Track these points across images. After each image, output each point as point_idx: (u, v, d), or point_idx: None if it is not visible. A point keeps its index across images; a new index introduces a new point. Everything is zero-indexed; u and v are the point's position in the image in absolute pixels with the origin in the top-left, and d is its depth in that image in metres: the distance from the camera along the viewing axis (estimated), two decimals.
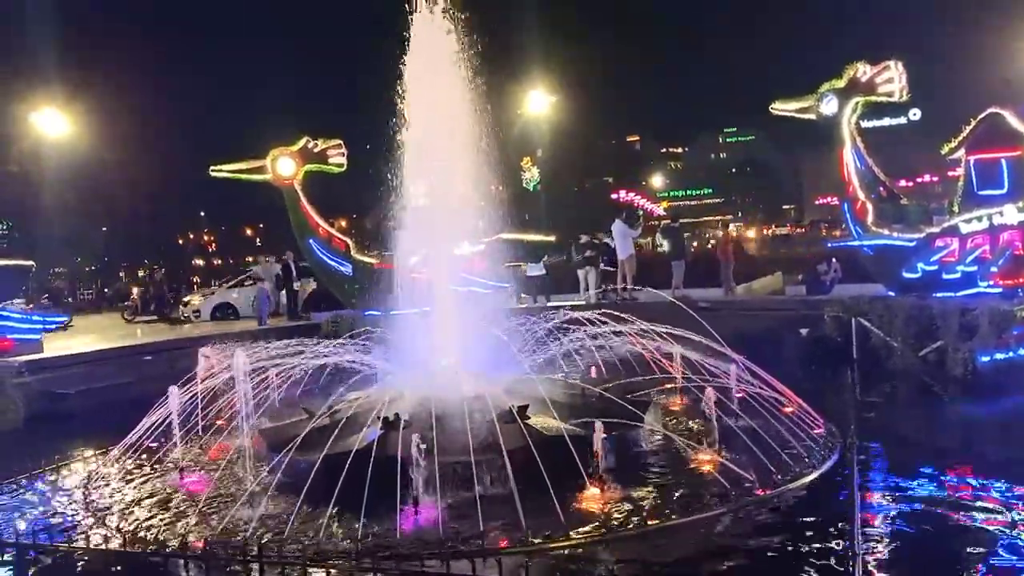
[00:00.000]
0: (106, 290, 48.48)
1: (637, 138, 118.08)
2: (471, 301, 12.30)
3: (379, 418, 8.29)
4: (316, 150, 20.89)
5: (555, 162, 54.13)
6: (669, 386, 11.25)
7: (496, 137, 11.15)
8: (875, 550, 6.30)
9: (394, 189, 10.91)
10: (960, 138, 14.98)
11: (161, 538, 7.14)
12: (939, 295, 14.64)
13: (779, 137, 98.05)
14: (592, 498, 7.48)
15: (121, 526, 7.63)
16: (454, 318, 10.54)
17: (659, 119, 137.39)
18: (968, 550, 6.29)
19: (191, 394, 9.86)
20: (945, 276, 14.99)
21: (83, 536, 7.45)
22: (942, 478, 8.14)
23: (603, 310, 11.69)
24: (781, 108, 17.42)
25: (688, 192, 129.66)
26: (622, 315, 11.26)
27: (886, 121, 80.00)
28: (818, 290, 18.99)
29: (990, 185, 14.68)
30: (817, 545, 6.39)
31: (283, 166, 20.65)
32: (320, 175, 21.26)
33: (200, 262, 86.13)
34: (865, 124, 17.51)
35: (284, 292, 23.57)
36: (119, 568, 6.84)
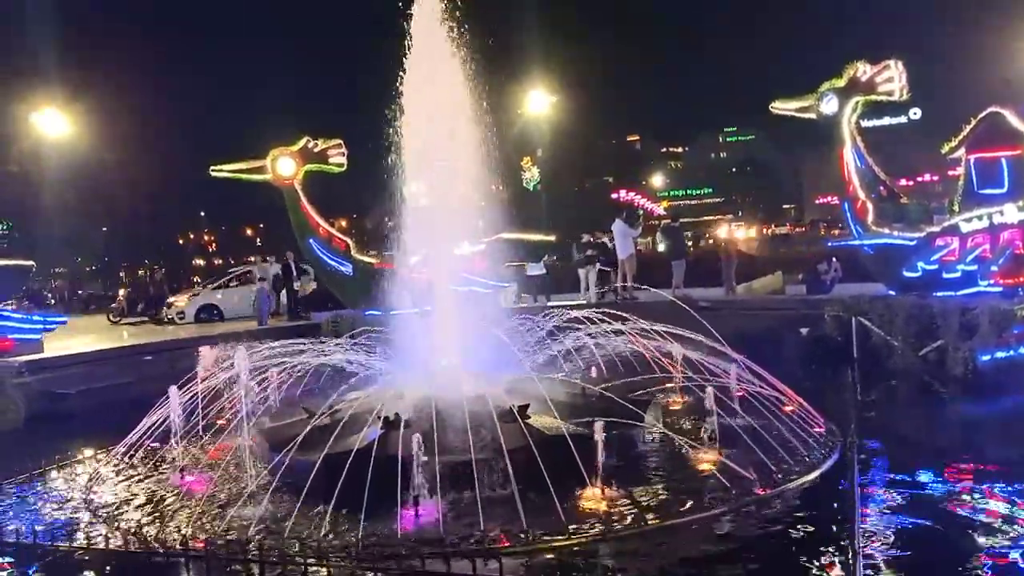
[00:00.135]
0: (79, 292, 47.92)
1: (637, 138, 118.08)
2: (471, 301, 12.30)
3: (379, 418, 8.29)
4: (316, 150, 20.90)
5: (555, 162, 54.11)
6: (670, 385, 11.25)
7: (496, 137, 11.15)
8: (875, 549, 6.29)
9: (394, 189, 10.91)
10: (960, 137, 14.99)
11: (162, 538, 7.14)
12: (939, 294, 14.65)
13: (779, 137, 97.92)
14: (592, 497, 7.49)
15: (122, 526, 7.63)
16: (454, 318, 10.54)
17: (659, 119, 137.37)
18: (969, 549, 6.29)
19: (191, 394, 9.86)
20: (945, 275, 14.99)
21: (84, 536, 7.46)
22: (943, 477, 8.15)
23: (603, 309, 11.69)
24: (781, 107, 17.43)
25: (688, 192, 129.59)
26: (622, 314, 11.27)
27: (886, 120, 80.00)
28: (818, 289, 18.99)
29: (990, 184, 14.69)
30: (818, 544, 6.39)
31: (283, 166, 20.65)
32: (320, 175, 21.27)
33: (200, 262, 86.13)
34: (865, 123, 17.52)
35: (284, 292, 23.60)
36: (120, 568, 6.84)
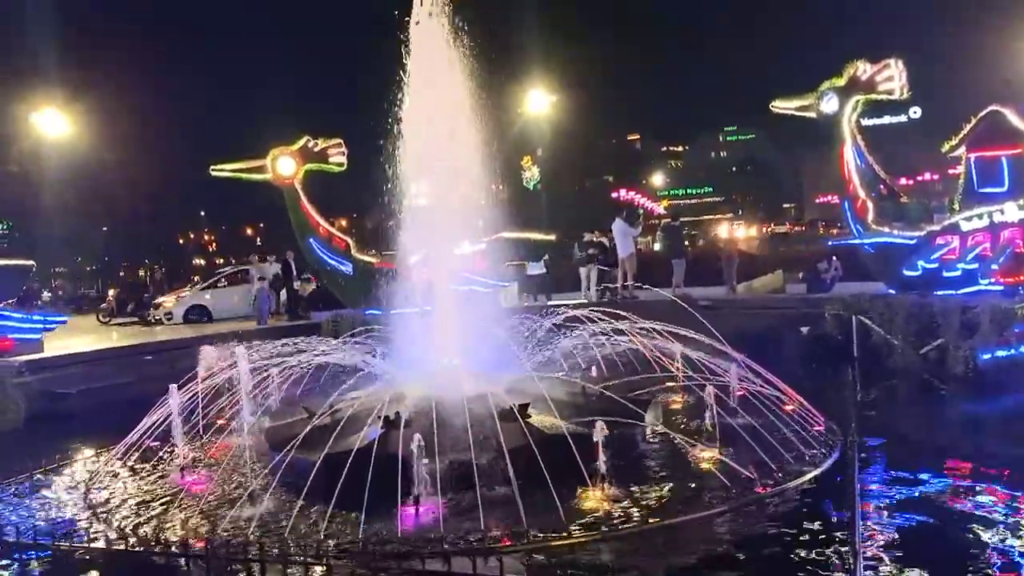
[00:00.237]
0: (60, 292, 47.58)
1: (637, 137, 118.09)
2: (472, 300, 12.30)
3: (380, 417, 8.29)
4: (316, 149, 20.89)
5: (555, 161, 54.05)
6: (670, 384, 11.24)
7: (496, 136, 11.14)
8: (876, 547, 6.29)
9: (394, 188, 10.91)
10: (961, 136, 14.99)
11: (162, 537, 7.14)
12: (940, 293, 14.65)
13: (779, 136, 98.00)
14: (593, 496, 7.48)
15: (122, 525, 7.63)
16: (455, 317, 10.54)
17: (659, 118, 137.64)
18: (969, 547, 6.28)
19: (192, 393, 9.86)
20: (946, 274, 14.99)
21: (84, 535, 7.46)
22: (943, 475, 8.15)
23: (604, 308, 11.68)
24: (781, 107, 17.42)
25: (688, 191, 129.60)
26: (623, 313, 11.26)
27: (886, 119, 79.96)
28: (819, 288, 19.00)
29: (991, 183, 14.69)
30: (818, 542, 6.39)
31: (283, 165, 20.65)
32: (320, 174, 21.26)
33: (201, 261, 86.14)
34: (865, 122, 17.51)
35: (283, 291, 23.57)
36: (120, 567, 6.85)
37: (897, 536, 6.55)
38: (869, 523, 6.76)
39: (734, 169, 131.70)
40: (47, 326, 17.22)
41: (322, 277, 22.26)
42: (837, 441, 9.02)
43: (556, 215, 44.44)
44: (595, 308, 11.81)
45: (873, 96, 16.16)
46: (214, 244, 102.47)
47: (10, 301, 16.53)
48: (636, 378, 10.83)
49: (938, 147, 15.83)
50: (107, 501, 8.53)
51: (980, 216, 14.66)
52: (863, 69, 16.08)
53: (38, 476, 9.79)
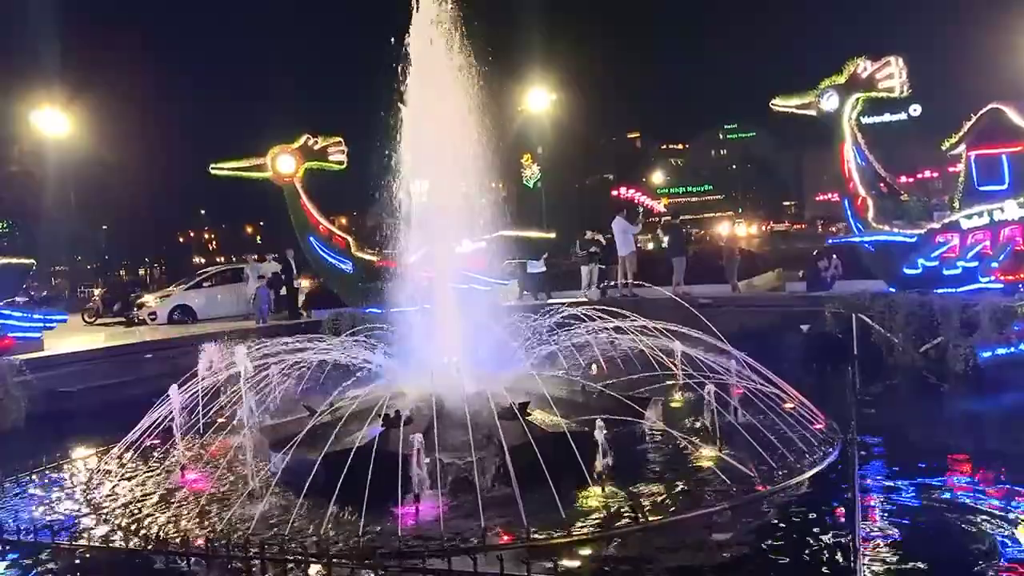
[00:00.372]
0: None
1: (637, 135, 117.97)
2: (472, 298, 12.30)
3: (380, 415, 8.29)
4: (316, 147, 20.89)
5: (555, 159, 54.03)
6: (670, 383, 11.25)
7: (497, 135, 11.13)
8: (876, 545, 6.30)
9: (394, 186, 10.91)
10: (961, 134, 14.96)
11: (163, 535, 7.15)
12: (940, 291, 14.64)
13: (780, 134, 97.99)
14: (593, 494, 7.50)
15: (123, 523, 7.64)
16: (455, 315, 10.54)
17: (659, 116, 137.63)
18: (969, 545, 6.29)
19: (192, 392, 9.88)
20: (946, 272, 14.98)
21: (85, 533, 7.46)
22: (943, 473, 8.14)
23: (603, 307, 11.69)
24: (781, 104, 17.40)
25: (688, 189, 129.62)
26: (623, 312, 11.27)
27: (886, 117, 79.85)
28: (819, 286, 19.00)
29: (991, 181, 14.67)
30: (818, 540, 6.39)
31: (283, 163, 20.64)
32: (320, 172, 21.25)
33: (201, 260, 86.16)
34: (865, 120, 17.49)
35: (282, 290, 23.55)
36: (120, 565, 6.85)
37: (897, 534, 6.55)
38: (869, 521, 6.77)
39: (734, 167, 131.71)
40: (47, 324, 17.24)
41: (322, 275, 22.25)
42: (837, 439, 9.02)
43: (556, 213, 44.41)
44: (595, 306, 11.83)
45: (873, 94, 16.15)
46: (214, 243, 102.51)
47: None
48: (636, 376, 10.85)
49: (938, 145, 15.80)
50: (107, 499, 8.54)
51: (980, 214, 14.65)
52: (863, 67, 16.06)
53: (39, 474, 9.80)
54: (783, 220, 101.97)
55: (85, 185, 48.51)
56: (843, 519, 6.78)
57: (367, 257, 20.77)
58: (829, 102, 16.41)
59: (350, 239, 21.36)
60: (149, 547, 7.00)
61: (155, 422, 9.54)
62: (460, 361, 9.73)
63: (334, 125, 21.93)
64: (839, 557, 6.04)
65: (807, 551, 6.23)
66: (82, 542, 7.25)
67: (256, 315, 22.31)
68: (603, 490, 7.58)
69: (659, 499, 7.50)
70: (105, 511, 8.13)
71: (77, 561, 6.95)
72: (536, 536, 6.57)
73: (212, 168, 21.03)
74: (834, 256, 19.74)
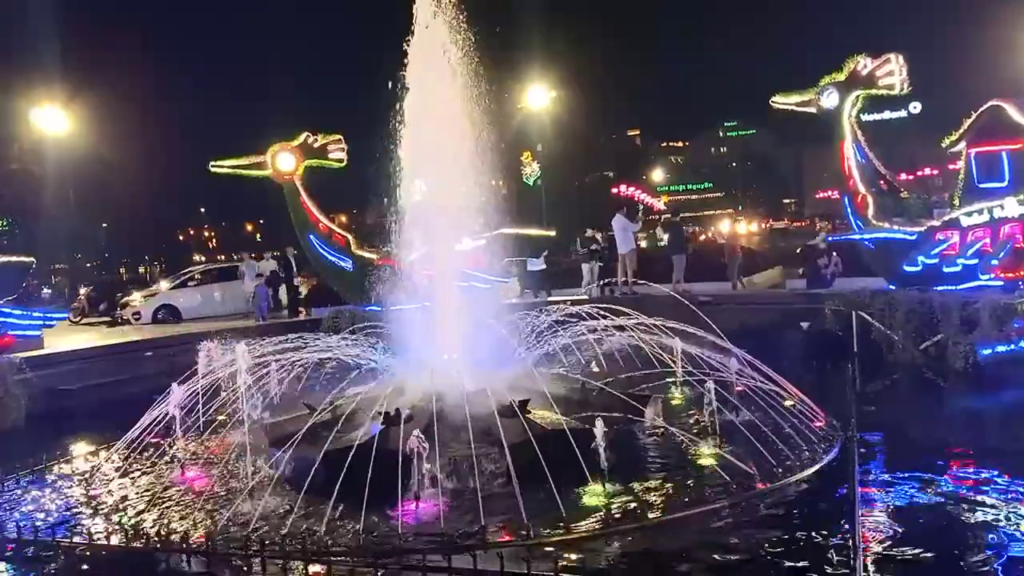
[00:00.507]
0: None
1: (637, 133, 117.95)
2: (472, 296, 12.30)
3: (380, 413, 8.29)
4: (316, 145, 20.88)
5: (555, 157, 54.01)
6: (670, 380, 11.25)
7: (497, 133, 11.13)
8: (876, 543, 6.30)
9: (394, 184, 10.91)
10: (961, 131, 14.95)
11: (163, 533, 7.15)
12: (940, 288, 14.63)
13: (780, 131, 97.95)
14: (593, 492, 7.50)
15: (123, 521, 7.64)
16: (455, 313, 10.54)
17: (660, 114, 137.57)
18: (969, 542, 6.30)
19: (192, 390, 9.88)
20: (946, 269, 14.97)
21: (85, 531, 7.47)
22: (943, 471, 8.14)
23: (604, 305, 11.69)
24: (781, 102, 17.37)
25: (688, 187, 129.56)
26: (623, 310, 11.27)
27: (887, 114, 79.82)
28: (819, 284, 19.00)
29: (991, 178, 14.65)
30: (818, 538, 6.40)
31: (283, 161, 20.63)
32: (320, 170, 21.24)
33: (201, 258, 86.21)
34: (865, 117, 17.47)
35: (281, 288, 23.52)
36: (120, 563, 6.86)
37: (897, 531, 6.55)
38: (869, 518, 6.77)
39: (734, 165, 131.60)
40: (47, 322, 17.23)
41: (322, 273, 22.25)
42: (837, 436, 9.02)
43: (556, 211, 44.40)
44: (595, 304, 11.83)
45: (873, 91, 16.12)
46: (214, 241, 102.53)
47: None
48: (636, 374, 10.85)
49: (938, 142, 15.79)
50: (108, 497, 8.54)
51: (980, 211, 14.63)
52: (863, 64, 16.04)
53: (39, 472, 9.80)
54: (783, 218, 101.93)
55: (85, 183, 48.50)
56: (843, 516, 6.78)
57: (367, 255, 20.76)
58: (829, 99, 16.38)
59: (350, 237, 21.34)
60: (149, 544, 7.00)
61: (155, 420, 9.54)
62: (460, 359, 9.73)
63: (334, 125, 21.88)
64: (839, 554, 6.04)
65: (807, 548, 6.23)
66: (82, 540, 7.25)
67: (255, 313, 22.30)
68: (603, 487, 7.58)
69: (659, 496, 7.50)
70: (105, 509, 8.13)
71: (77, 558, 6.95)
72: (536, 533, 6.57)
73: (212, 166, 21.02)
74: (834, 254, 19.74)
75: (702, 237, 56.05)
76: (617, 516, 7.02)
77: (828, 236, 21.46)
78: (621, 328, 10.89)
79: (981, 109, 14.74)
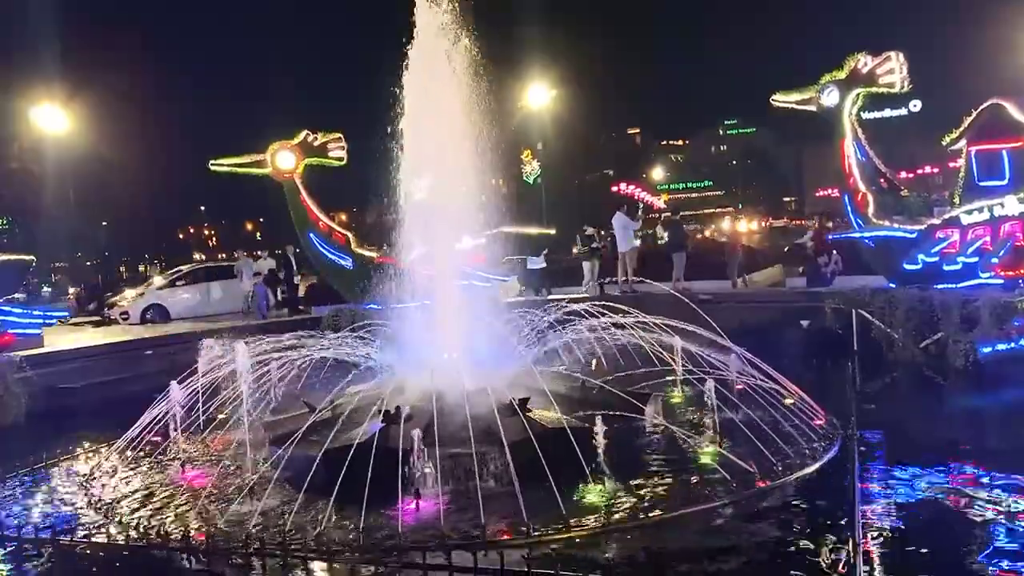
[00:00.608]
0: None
1: (637, 131, 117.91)
2: (472, 294, 12.31)
3: (380, 411, 8.29)
4: (316, 144, 20.88)
5: (555, 155, 54.00)
6: (670, 378, 11.26)
7: (497, 131, 11.13)
8: (876, 541, 6.30)
9: (394, 183, 10.90)
10: (961, 129, 14.94)
11: (163, 531, 7.15)
12: (940, 286, 14.63)
13: (780, 130, 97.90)
14: (593, 490, 7.50)
15: (123, 519, 7.64)
16: (455, 311, 10.54)
17: (660, 112, 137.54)
18: (969, 540, 6.30)
19: (192, 388, 9.88)
20: (946, 267, 14.96)
21: (84, 529, 7.47)
22: (943, 469, 8.13)
23: (604, 303, 11.69)
24: (782, 100, 17.36)
25: (688, 185, 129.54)
26: (623, 308, 11.26)
27: (887, 112, 79.82)
28: (819, 282, 18.99)
29: (991, 176, 14.64)
30: (818, 536, 6.39)
31: (283, 159, 20.63)
32: (320, 169, 21.23)
33: (201, 257, 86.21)
34: (866, 115, 17.46)
35: (279, 287, 23.51)
36: (121, 561, 6.86)
37: (897, 529, 6.56)
38: (869, 516, 6.77)
39: (734, 163, 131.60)
40: (47, 321, 17.22)
41: (322, 271, 22.26)
42: (837, 434, 9.02)
43: (556, 210, 44.39)
44: (595, 302, 11.82)
45: (874, 89, 16.12)
46: (214, 240, 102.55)
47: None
48: (637, 372, 10.85)
49: (938, 140, 15.78)
50: (108, 495, 8.54)
51: (980, 210, 14.62)
52: (864, 62, 16.03)
53: (39, 470, 9.81)
54: (782, 216, 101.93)
55: (85, 182, 48.54)
56: (843, 514, 6.78)
57: (367, 254, 20.76)
58: (830, 97, 16.38)
59: (350, 235, 21.35)
60: (149, 543, 7.00)
61: (155, 418, 9.55)
62: (460, 357, 9.73)
63: (334, 124, 21.86)
64: (839, 552, 6.04)
65: (807, 545, 6.23)
66: (82, 538, 7.25)
67: (255, 312, 22.30)
68: (603, 485, 7.58)
69: (659, 494, 7.50)
70: (105, 507, 8.13)
71: (77, 557, 6.95)
72: (536, 531, 6.57)
73: (212, 165, 21.02)
74: (834, 252, 19.73)
75: (698, 236, 56.10)
76: (617, 514, 7.02)
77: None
78: (620, 326, 10.88)
79: (981, 107, 14.72)
